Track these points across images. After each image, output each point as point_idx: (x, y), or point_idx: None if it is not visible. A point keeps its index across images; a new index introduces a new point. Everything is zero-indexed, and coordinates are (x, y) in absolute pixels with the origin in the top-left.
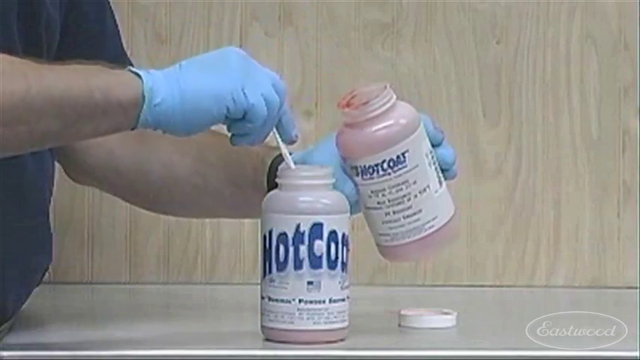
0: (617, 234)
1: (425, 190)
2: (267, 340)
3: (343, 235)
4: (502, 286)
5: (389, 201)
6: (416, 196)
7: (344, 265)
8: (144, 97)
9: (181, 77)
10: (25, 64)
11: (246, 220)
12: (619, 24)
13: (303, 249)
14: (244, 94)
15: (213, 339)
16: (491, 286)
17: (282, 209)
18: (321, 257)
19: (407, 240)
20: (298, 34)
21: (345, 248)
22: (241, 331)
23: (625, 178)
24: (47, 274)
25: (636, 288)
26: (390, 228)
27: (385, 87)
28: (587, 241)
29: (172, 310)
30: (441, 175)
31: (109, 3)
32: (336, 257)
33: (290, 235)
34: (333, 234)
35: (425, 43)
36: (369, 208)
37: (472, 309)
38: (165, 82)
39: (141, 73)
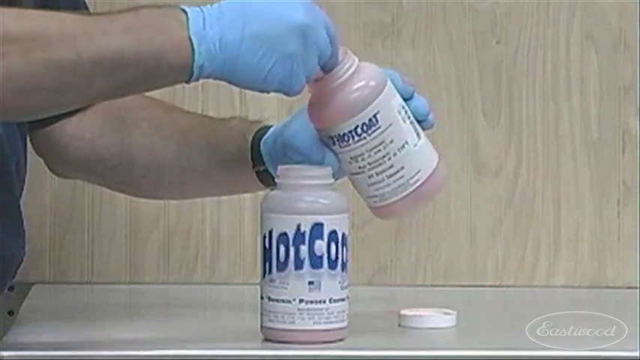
0: (617, 234)
1: (403, 146)
2: (267, 340)
3: (343, 235)
4: (502, 286)
5: (369, 164)
6: (395, 154)
7: (344, 265)
8: (192, 70)
9: (238, 56)
10: (76, 24)
11: (246, 220)
12: (619, 24)
13: (304, 249)
14: (291, 83)
15: (213, 339)
16: (491, 286)
17: (282, 209)
18: (321, 257)
19: (395, 198)
20: None
21: (344, 248)
22: (241, 331)
23: (625, 178)
24: (47, 274)
25: (636, 288)
26: (377, 189)
27: (346, 52)
28: (587, 241)
29: (172, 310)
30: (418, 127)
31: (84, 2)
32: (337, 257)
33: (290, 236)
34: (333, 234)
35: (425, 43)
36: (352, 173)
37: (472, 309)
38: (217, 58)
39: (194, 38)
